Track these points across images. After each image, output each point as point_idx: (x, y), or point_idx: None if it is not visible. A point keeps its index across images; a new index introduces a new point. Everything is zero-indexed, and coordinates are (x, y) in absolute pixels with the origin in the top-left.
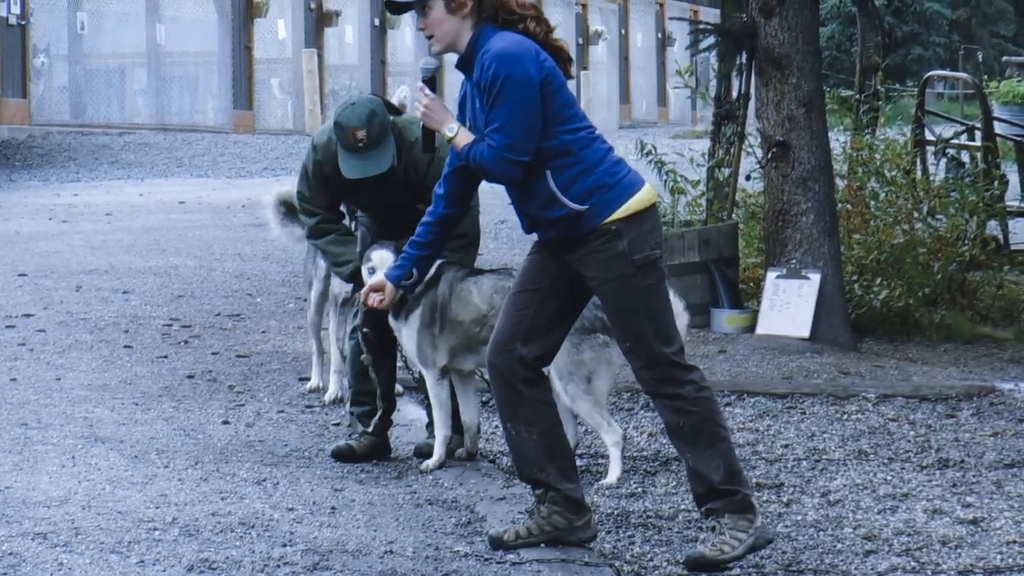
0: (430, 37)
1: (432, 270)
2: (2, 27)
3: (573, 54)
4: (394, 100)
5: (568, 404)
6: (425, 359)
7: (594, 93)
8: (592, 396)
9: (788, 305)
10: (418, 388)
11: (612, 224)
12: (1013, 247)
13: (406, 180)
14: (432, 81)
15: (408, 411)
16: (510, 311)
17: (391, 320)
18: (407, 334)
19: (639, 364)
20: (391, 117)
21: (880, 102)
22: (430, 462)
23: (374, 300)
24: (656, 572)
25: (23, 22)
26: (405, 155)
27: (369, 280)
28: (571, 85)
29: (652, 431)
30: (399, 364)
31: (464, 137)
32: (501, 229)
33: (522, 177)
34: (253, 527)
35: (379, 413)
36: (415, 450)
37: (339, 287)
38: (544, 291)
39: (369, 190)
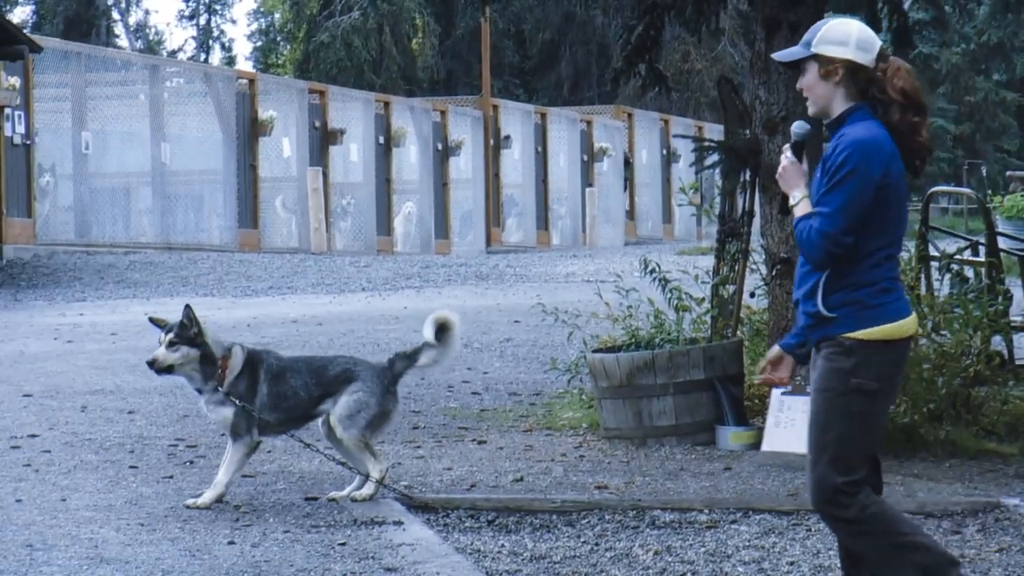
0: (806, 99)
1: None
2: (7, 147)
3: (578, 170)
4: (400, 215)
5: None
6: None
7: (599, 210)
8: None
9: (794, 422)
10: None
11: (847, 340)
12: (1018, 362)
13: None
14: (800, 145)
15: (414, 530)
16: None
17: None
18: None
19: (809, 480)
20: None
21: None
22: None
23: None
24: None
25: (28, 142)
26: None
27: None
28: (575, 201)
29: (658, 549)
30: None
31: (803, 208)
32: (507, 347)
33: (828, 266)
34: None
35: None
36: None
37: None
38: None
39: None
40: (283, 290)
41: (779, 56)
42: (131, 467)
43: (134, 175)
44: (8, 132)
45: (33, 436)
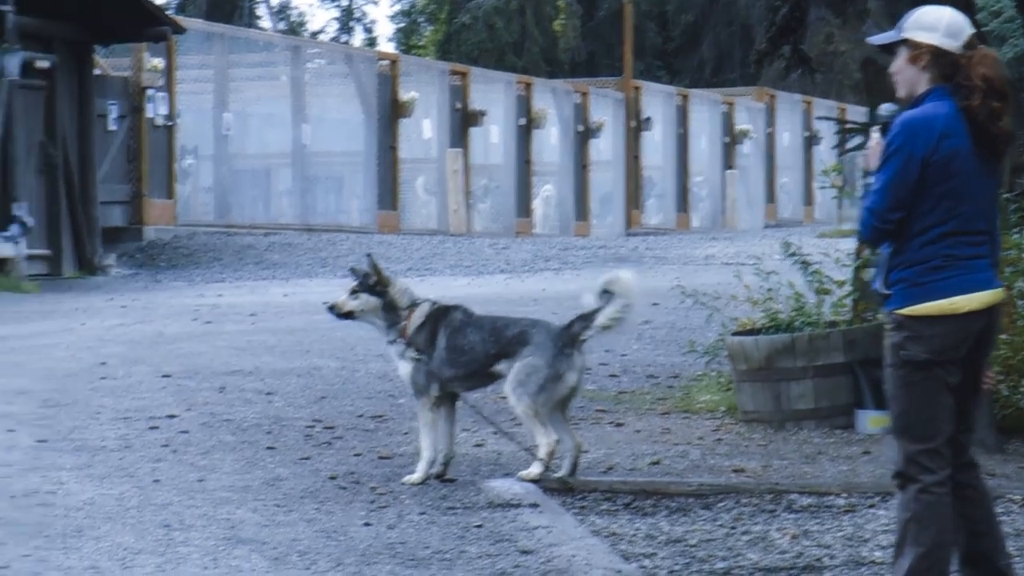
0: (895, 82)
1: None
2: (149, 128)
3: (718, 152)
4: (539, 197)
5: None
6: None
7: (739, 192)
8: None
9: None
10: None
11: (898, 316)
12: None
13: None
14: (886, 126)
15: (550, 513)
16: None
17: None
18: None
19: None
20: None
21: None
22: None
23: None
24: None
25: (169, 123)
26: None
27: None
28: (715, 183)
29: (795, 533)
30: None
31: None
32: (645, 329)
33: (879, 243)
34: None
35: None
36: None
37: None
38: None
39: None
40: (422, 272)
41: (873, 40)
42: (268, 448)
43: (275, 156)
44: (150, 113)
45: (171, 416)
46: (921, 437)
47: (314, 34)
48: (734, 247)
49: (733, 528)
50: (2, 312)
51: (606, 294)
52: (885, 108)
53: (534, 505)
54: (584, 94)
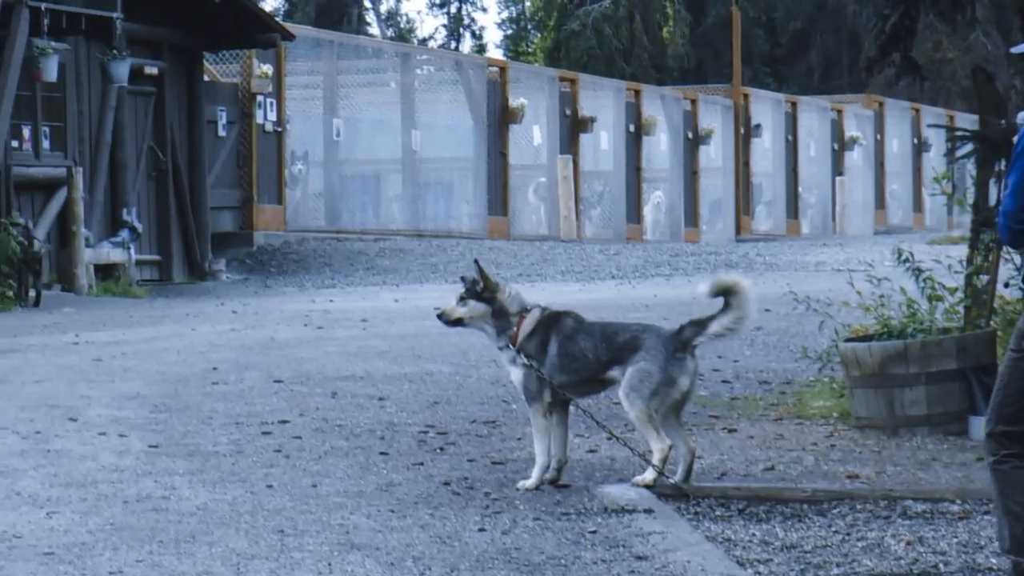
0: None
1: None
2: (258, 134)
3: (828, 159)
4: (649, 204)
5: None
6: None
7: (849, 199)
8: None
9: None
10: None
11: None
12: None
13: None
14: None
15: (664, 519)
16: None
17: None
18: None
19: None
20: None
21: None
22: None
23: None
24: None
25: (279, 129)
26: None
27: None
28: (824, 190)
29: (910, 539)
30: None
31: None
32: (757, 336)
33: (1018, 244)
34: None
35: None
36: None
37: None
38: None
39: None
40: (532, 277)
41: (1015, 49)
42: (381, 453)
43: (384, 162)
44: (260, 119)
45: (284, 422)
46: (1009, 419)
47: (423, 41)
48: (844, 253)
49: (848, 534)
50: (113, 317)
51: (721, 296)
52: (1022, 116)
53: (648, 511)
54: (693, 101)
